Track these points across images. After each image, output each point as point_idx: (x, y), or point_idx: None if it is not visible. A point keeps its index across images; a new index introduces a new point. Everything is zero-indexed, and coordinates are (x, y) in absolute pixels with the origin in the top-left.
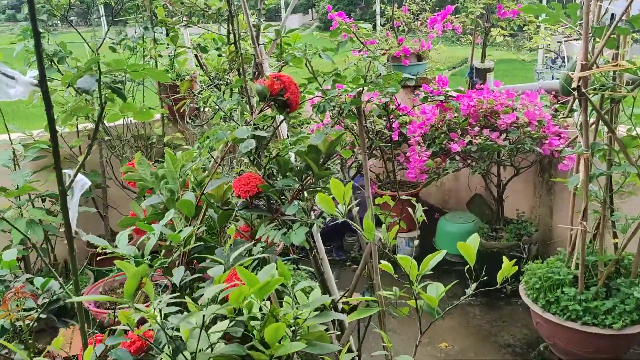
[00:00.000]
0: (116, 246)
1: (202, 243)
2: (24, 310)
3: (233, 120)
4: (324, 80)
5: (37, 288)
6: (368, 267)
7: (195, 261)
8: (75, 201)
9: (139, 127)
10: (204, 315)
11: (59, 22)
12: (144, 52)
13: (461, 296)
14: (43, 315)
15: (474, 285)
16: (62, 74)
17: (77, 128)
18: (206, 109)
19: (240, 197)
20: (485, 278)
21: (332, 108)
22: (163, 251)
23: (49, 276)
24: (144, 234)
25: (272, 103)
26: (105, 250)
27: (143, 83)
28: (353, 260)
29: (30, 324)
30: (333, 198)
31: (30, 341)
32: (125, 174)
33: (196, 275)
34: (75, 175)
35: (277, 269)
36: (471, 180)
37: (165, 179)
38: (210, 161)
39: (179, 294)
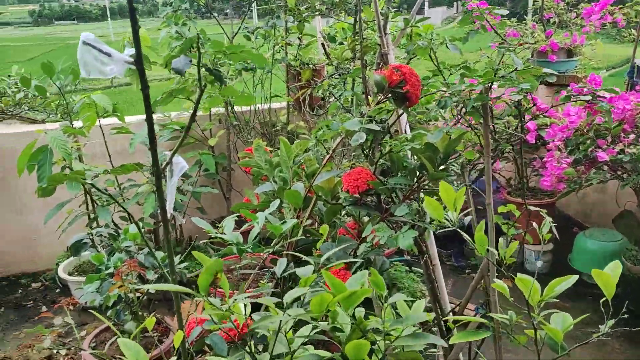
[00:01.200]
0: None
1: (309, 236)
2: (137, 283)
3: (350, 112)
4: (451, 74)
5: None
6: (485, 281)
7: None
8: (172, 183)
9: (266, 114)
10: (280, 321)
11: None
12: (275, 40)
13: (598, 324)
14: (152, 290)
15: (611, 322)
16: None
17: (210, 112)
18: (331, 99)
19: (349, 192)
20: (629, 309)
21: (456, 104)
22: (275, 240)
23: (174, 250)
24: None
25: (390, 95)
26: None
27: (271, 71)
28: (473, 268)
29: (141, 297)
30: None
31: (140, 313)
32: (243, 159)
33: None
34: (172, 157)
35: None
36: (620, 194)
37: (280, 167)
38: (327, 152)
39: (279, 285)
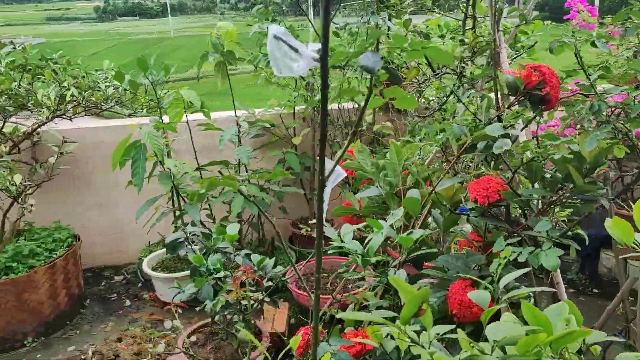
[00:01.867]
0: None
1: (424, 247)
2: (251, 290)
3: (452, 115)
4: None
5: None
6: (624, 307)
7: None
8: (327, 191)
9: (351, 113)
10: None
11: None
12: (366, 37)
13: None
14: (267, 299)
15: None
16: None
17: (294, 109)
18: (429, 102)
19: (478, 202)
20: None
21: (613, 109)
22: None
23: (257, 250)
24: (357, 223)
25: (524, 98)
26: (309, 232)
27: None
28: (603, 287)
29: (255, 305)
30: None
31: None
32: (343, 161)
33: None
34: (335, 165)
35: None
36: None
37: (385, 170)
38: (428, 156)
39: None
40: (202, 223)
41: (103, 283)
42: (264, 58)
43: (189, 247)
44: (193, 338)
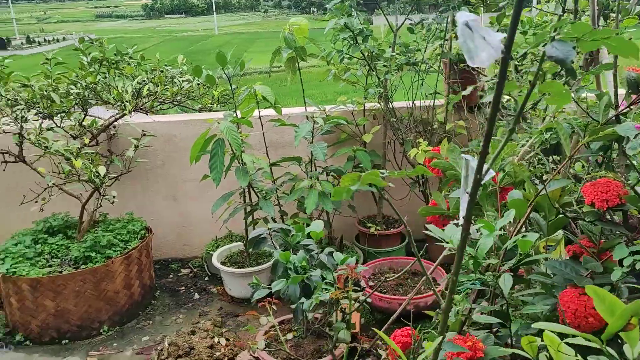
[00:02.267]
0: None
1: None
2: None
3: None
4: None
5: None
6: None
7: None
8: (466, 190)
9: (422, 111)
10: None
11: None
12: (443, 34)
13: None
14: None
15: None
16: (362, 53)
17: (364, 106)
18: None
19: (596, 206)
20: None
21: None
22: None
23: (325, 246)
24: (442, 223)
25: None
26: (378, 231)
27: (433, 67)
28: None
29: (358, 305)
30: None
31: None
32: (431, 160)
33: None
34: (484, 166)
35: None
36: None
37: None
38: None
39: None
40: (273, 219)
41: (171, 275)
42: (338, 54)
43: (271, 243)
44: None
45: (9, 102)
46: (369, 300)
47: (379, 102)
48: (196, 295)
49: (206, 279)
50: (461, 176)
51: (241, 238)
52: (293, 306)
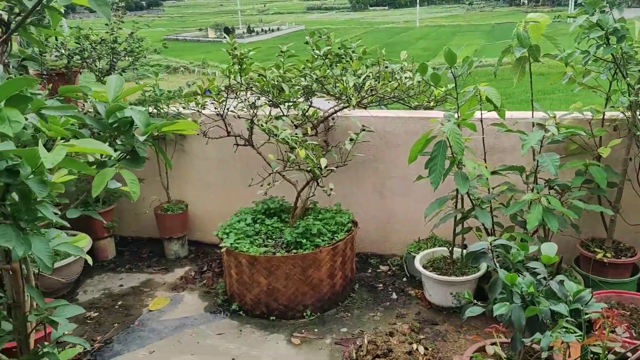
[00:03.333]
0: None
1: None
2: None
3: None
4: None
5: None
6: None
7: None
8: None
9: None
10: None
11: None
12: None
13: None
14: None
15: None
16: (613, 55)
17: (603, 115)
18: None
19: None
20: None
21: None
22: None
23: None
24: None
25: None
26: (608, 259)
27: None
28: None
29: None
30: None
31: None
32: None
33: None
34: None
35: None
36: None
37: None
38: None
39: None
40: (487, 231)
41: (369, 270)
42: (582, 55)
43: (492, 259)
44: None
45: (247, 89)
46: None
47: (624, 112)
48: (394, 295)
49: (404, 279)
50: None
51: (445, 243)
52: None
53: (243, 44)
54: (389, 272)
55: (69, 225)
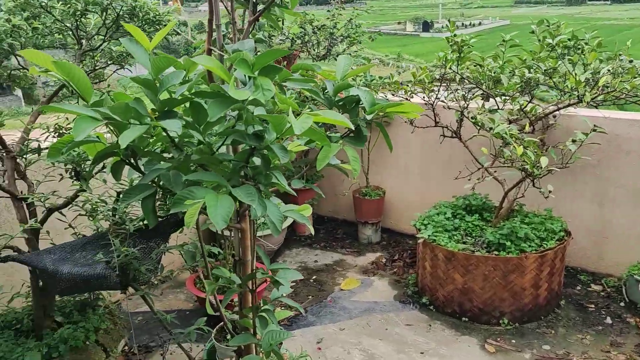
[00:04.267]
0: None
1: None
2: None
3: None
4: None
5: None
6: None
7: None
8: None
9: None
10: None
11: None
12: None
13: None
14: None
15: None
16: None
17: None
18: None
19: None
20: None
21: None
22: None
23: None
24: None
25: None
26: None
27: None
28: None
29: None
30: None
31: None
32: None
33: None
34: None
35: None
36: None
37: None
38: None
39: None
40: None
41: (578, 287)
42: None
43: None
44: None
45: (461, 79)
46: None
47: None
48: (608, 320)
49: (622, 304)
50: None
51: None
52: None
53: (440, 38)
54: (602, 293)
55: (295, 194)
